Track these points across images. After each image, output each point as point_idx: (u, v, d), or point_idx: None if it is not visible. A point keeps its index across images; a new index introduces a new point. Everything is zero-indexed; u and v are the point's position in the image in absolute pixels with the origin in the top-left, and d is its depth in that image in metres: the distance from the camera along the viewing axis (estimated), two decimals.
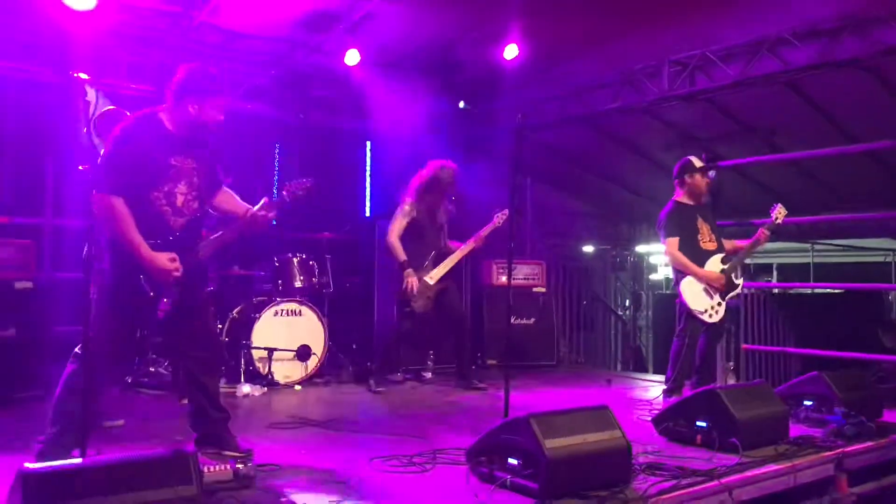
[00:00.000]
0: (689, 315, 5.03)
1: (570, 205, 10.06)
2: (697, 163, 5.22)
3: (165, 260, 3.22)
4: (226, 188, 3.64)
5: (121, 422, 4.26)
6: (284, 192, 3.64)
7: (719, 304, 5.07)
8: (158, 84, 5.53)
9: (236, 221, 3.60)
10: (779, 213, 5.08)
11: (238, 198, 3.66)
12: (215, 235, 3.57)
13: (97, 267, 3.05)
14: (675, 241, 5.10)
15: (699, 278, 5.04)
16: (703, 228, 5.18)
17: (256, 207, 3.57)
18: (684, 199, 5.23)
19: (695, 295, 5.03)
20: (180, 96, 3.32)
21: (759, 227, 5.13)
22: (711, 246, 5.17)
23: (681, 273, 5.10)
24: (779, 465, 3.48)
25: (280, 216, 4.01)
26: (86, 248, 3.01)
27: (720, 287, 5.05)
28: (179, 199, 3.34)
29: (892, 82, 5.96)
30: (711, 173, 5.25)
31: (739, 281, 5.16)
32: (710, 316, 5.04)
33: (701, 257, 5.09)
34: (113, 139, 3.25)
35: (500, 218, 5.79)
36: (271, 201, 3.60)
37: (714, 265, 5.09)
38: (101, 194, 3.13)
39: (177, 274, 3.25)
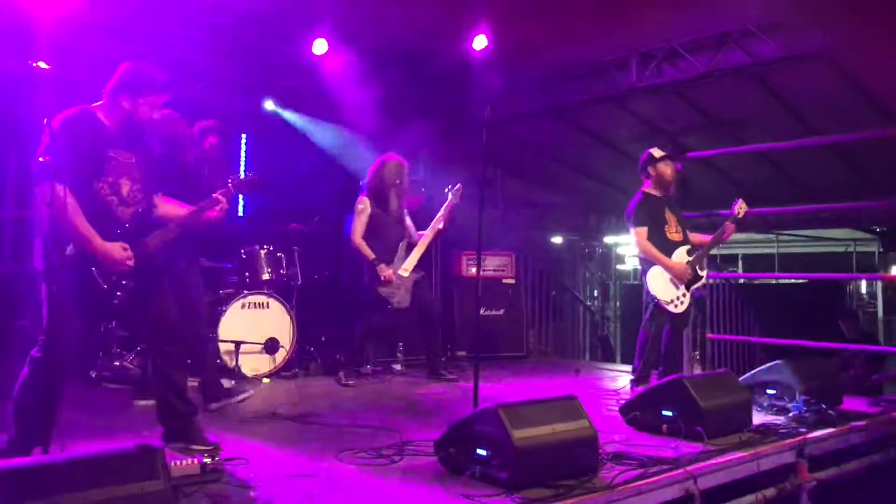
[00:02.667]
0: (656, 305, 5.10)
1: (539, 196, 10.09)
2: (658, 153, 5.30)
3: (118, 249, 3.21)
4: (159, 196, 3.58)
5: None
6: (229, 183, 3.72)
7: (685, 294, 5.13)
8: None
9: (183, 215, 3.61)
10: (740, 207, 5.17)
11: (174, 203, 3.64)
12: (164, 227, 3.54)
13: (46, 263, 3.00)
14: (643, 230, 5.15)
15: (666, 268, 5.10)
16: (671, 219, 5.25)
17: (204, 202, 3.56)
18: (652, 190, 5.29)
19: (661, 285, 5.09)
20: (115, 92, 3.34)
21: (724, 219, 5.21)
22: (678, 237, 5.23)
23: (648, 263, 5.16)
24: (742, 452, 3.55)
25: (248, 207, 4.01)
26: (38, 244, 2.96)
27: (686, 278, 5.11)
28: (125, 189, 3.32)
29: (852, 76, 6.06)
30: (674, 163, 5.32)
31: (704, 272, 5.23)
32: (676, 306, 5.10)
33: (668, 248, 5.15)
34: (50, 130, 3.18)
35: (455, 194, 5.80)
36: (220, 193, 3.64)
37: (680, 256, 5.15)
38: (44, 183, 3.06)
39: (130, 263, 3.24)
